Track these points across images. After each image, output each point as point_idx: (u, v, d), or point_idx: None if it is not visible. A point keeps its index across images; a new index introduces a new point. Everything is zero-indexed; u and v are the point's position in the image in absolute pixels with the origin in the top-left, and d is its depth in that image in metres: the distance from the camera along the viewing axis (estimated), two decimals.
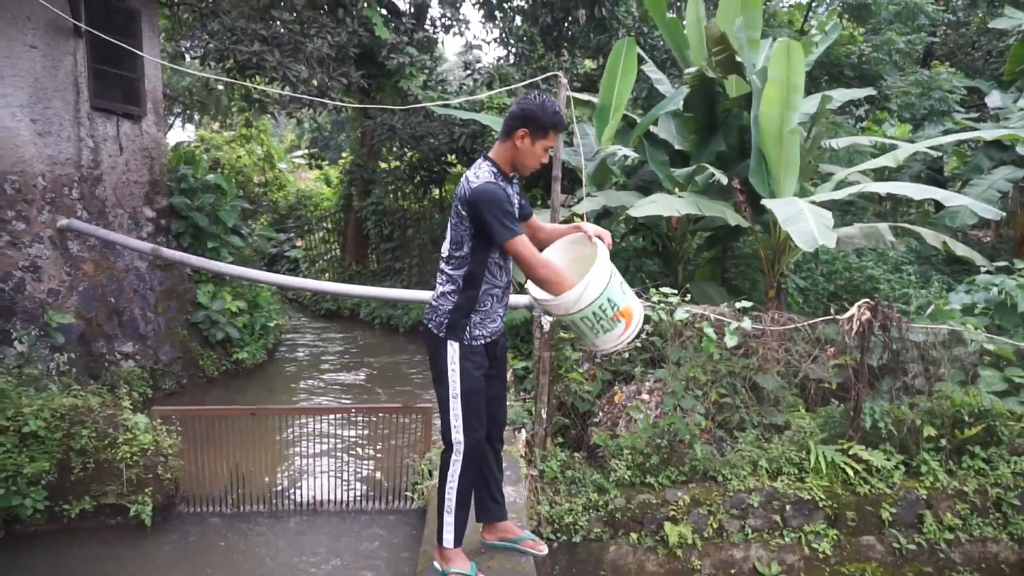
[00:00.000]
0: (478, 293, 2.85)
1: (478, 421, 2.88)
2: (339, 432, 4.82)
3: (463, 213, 2.78)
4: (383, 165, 14.52)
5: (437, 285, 2.94)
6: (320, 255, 15.60)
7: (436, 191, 13.86)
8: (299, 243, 16.22)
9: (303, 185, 19.17)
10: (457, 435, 2.84)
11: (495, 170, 2.83)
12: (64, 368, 6.28)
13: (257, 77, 9.93)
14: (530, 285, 2.98)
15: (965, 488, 4.86)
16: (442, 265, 2.91)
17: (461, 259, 2.83)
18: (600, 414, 5.78)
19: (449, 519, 2.87)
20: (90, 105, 6.92)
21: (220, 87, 13.95)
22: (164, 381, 7.47)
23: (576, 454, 5.07)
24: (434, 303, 2.91)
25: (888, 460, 4.88)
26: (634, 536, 4.72)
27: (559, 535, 4.64)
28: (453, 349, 2.84)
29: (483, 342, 2.92)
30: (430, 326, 2.90)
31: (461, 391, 2.83)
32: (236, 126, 16.80)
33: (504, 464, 3.99)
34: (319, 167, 18.03)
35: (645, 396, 5.74)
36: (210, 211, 8.38)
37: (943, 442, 5.03)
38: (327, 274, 14.85)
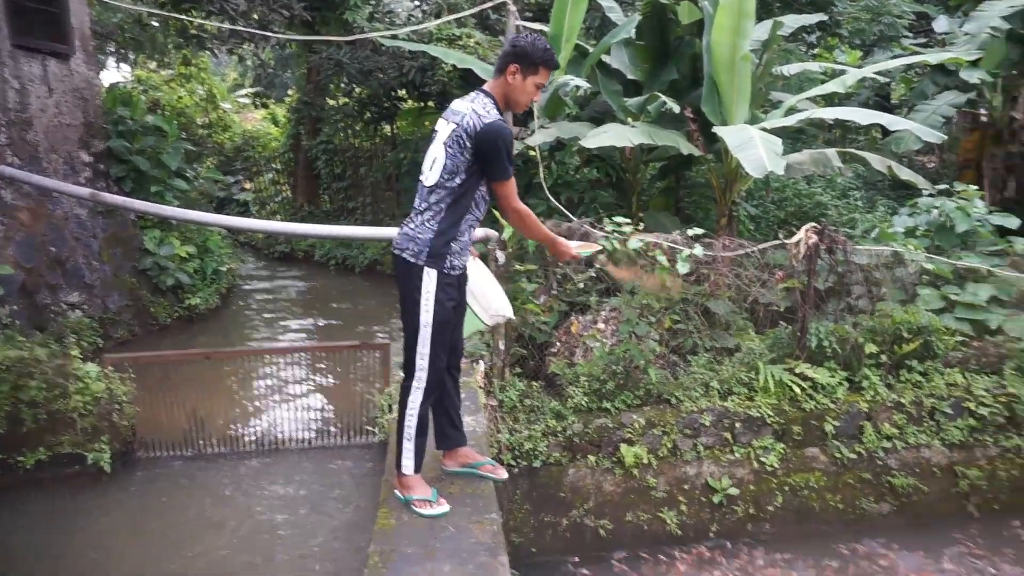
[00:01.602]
0: (460, 223, 2.88)
1: (443, 351, 2.92)
2: (298, 372, 4.82)
3: (467, 145, 2.80)
4: (331, 102, 14.11)
5: (415, 215, 2.91)
6: (270, 197, 15.25)
7: (387, 128, 13.57)
8: (248, 186, 15.80)
9: (249, 126, 18.53)
10: (422, 363, 2.87)
11: (496, 106, 2.89)
12: (7, 320, 6.10)
13: (193, 11, 9.45)
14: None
15: (902, 400, 5.12)
16: (426, 194, 2.89)
17: (452, 189, 2.84)
18: (557, 344, 5.88)
19: (409, 446, 2.93)
20: (11, 43, 6.52)
21: (154, 22, 13.24)
22: (115, 330, 7.32)
23: (534, 383, 5.17)
24: (412, 233, 2.88)
25: (832, 377, 5.09)
26: (592, 459, 4.88)
27: (519, 461, 4.77)
28: (430, 278, 2.84)
29: (458, 272, 2.95)
30: (405, 255, 2.87)
31: (433, 321, 2.85)
32: (174, 65, 16.05)
33: (463, 395, 4.06)
34: (265, 106, 17.44)
35: (601, 325, 5.84)
36: (151, 154, 8.08)
37: (883, 358, 5.26)
38: (278, 216, 14.57)
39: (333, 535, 3.61)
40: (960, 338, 5.55)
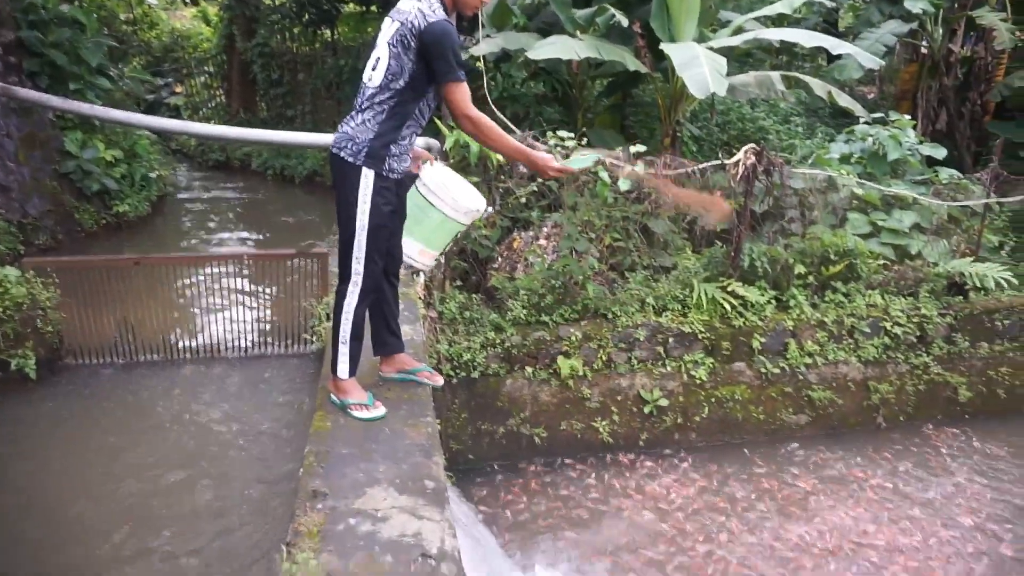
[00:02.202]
0: (402, 127, 2.80)
1: (379, 256, 2.89)
2: (232, 280, 4.71)
3: (412, 45, 2.69)
4: (267, 2, 13.31)
5: (355, 114, 2.83)
6: (203, 102, 14.49)
7: (328, 32, 12.93)
8: (179, 89, 14.95)
9: (178, 24, 17.36)
10: (357, 266, 2.84)
11: (443, 6, 2.77)
12: None
13: None
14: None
15: (826, 319, 5.37)
16: (368, 93, 2.79)
17: (395, 91, 2.75)
18: (499, 260, 5.90)
19: (344, 350, 2.93)
20: None
21: None
22: (37, 236, 6.97)
23: (474, 296, 5.20)
24: (351, 132, 2.80)
25: (762, 296, 5.28)
26: (529, 370, 5.00)
27: (458, 371, 4.85)
28: (367, 180, 2.77)
29: (397, 177, 2.89)
30: (343, 155, 2.79)
31: (368, 225, 2.80)
32: None
33: (402, 305, 4.05)
34: (195, 3, 16.32)
35: (543, 242, 5.87)
36: (68, 48, 7.50)
37: (811, 279, 5.48)
38: (213, 123, 13.89)
39: (270, 441, 3.62)
40: (883, 262, 5.81)
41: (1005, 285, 5.64)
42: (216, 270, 4.66)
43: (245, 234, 8.58)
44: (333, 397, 3.05)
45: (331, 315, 3.08)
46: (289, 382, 4.23)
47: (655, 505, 4.59)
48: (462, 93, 2.74)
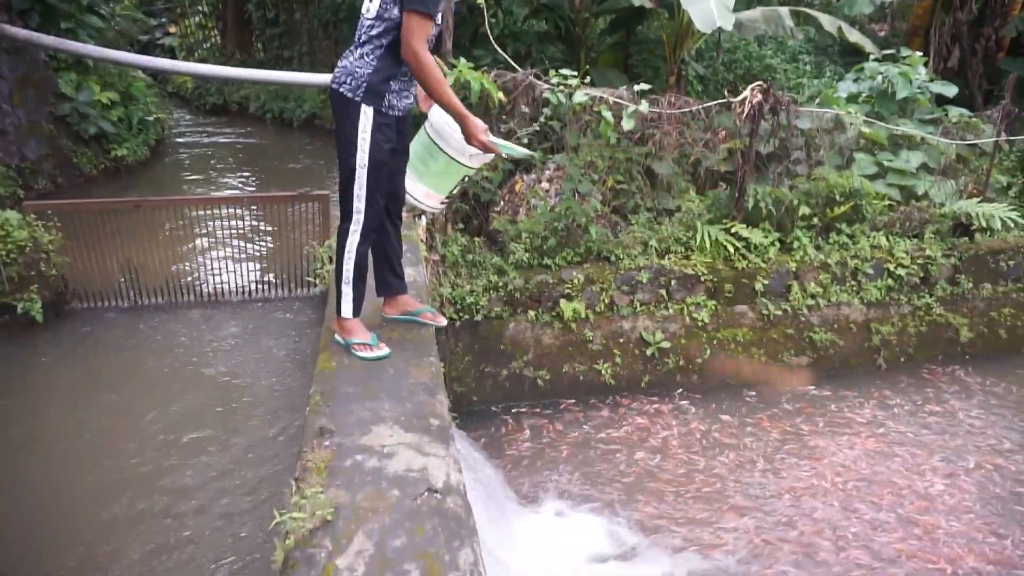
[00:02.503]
0: (402, 62, 2.74)
1: (380, 195, 2.86)
2: (235, 223, 4.70)
3: None
4: None
5: (354, 48, 2.78)
6: (198, 43, 14.20)
7: None
8: (172, 29, 14.63)
9: None
10: (359, 205, 2.82)
11: None
12: None
13: None
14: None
15: (829, 261, 5.35)
16: (366, 26, 2.74)
17: (392, 22, 2.68)
18: (501, 203, 5.85)
19: (347, 290, 2.93)
20: None
21: None
22: (36, 180, 6.92)
23: (476, 239, 5.18)
24: (350, 67, 2.75)
25: (766, 237, 5.25)
26: (532, 313, 5.02)
27: (461, 314, 4.87)
28: (367, 116, 2.74)
29: (397, 114, 2.85)
30: (343, 90, 2.74)
31: (369, 162, 2.77)
32: None
33: (404, 247, 4.04)
34: None
35: (545, 184, 5.81)
36: None
37: (815, 220, 5.44)
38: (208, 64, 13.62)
39: (277, 382, 3.67)
40: (888, 203, 5.75)
41: (1012, 225, 5.60)
42: (218, 212, 4.64)
43: (245, 177, 8.51)
44: (337, 337, 3.07)
45: (333, 256, 3.07)
46: (294, 325, 4.26)
47: (658, 444, 4.66)
48: (419, 25, 2.63)
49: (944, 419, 4.96)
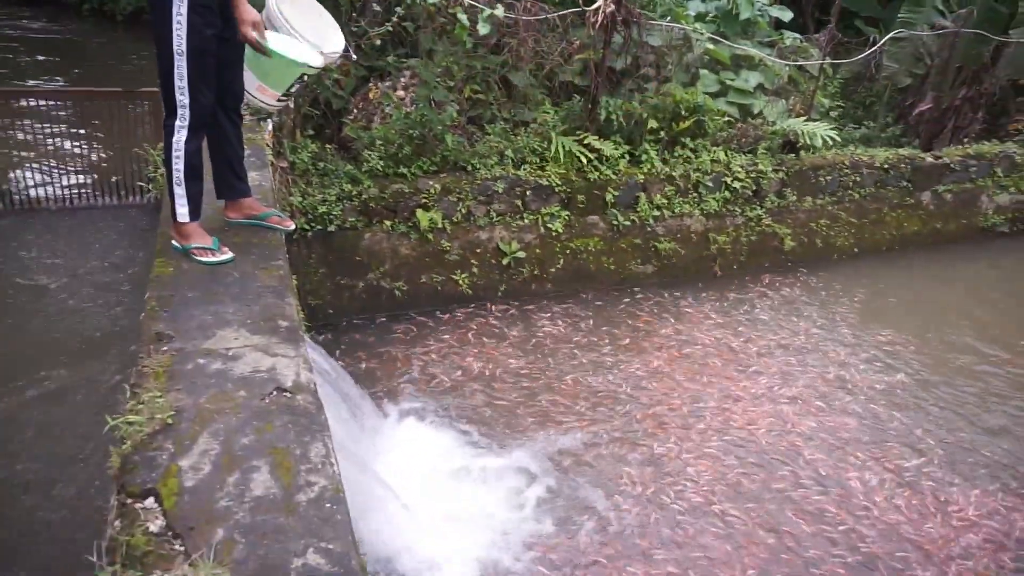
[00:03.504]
0: None
1: (206, 86, 2.65)
2: (54, 123, 4.19)
3: None
4: None
5: None
6: None
7: None
8: None
9: None
10: (182, 98, 2.60)
11: None
12: None
13: None
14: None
15: (674, 173, 5.63)
16: None
17: None
18: (355, 111, 5.62)
19: (180, 191, 2.73)
20: None
21: None
22: None
23: (328, 147, 4.98)
24: None
25: (616, 149, 5.43)
26: (388, 223, 4.94)
27: (313, 225, 4.70)
28: None
29: None
30: None
31: (188, 48, 2.53)
32: None
33: (248, 151, 3.80)
34: None
35: (400, 92, 5.63)
36: None
37: (662, 134, 5.67)
38: None
39: (109, 294, 3.40)
40: (728, 119, 6.10)
41: (831, 143, 6.13)
42: (33, 105, 4.11)
43: (63, 80, 7.58)
44: (175, 243, 2.88)
45: (163, 155, 2.83)
46: (126, 235, 3.94)
47: (515, 348, 4.83)
48: None
49: (765, 314, 5.48)
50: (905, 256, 6.73)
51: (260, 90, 3.08)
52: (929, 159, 6.74)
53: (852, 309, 5.69)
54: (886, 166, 6.53)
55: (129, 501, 1.78)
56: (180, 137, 2.66)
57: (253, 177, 3.53)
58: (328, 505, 1.79)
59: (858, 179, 6.44)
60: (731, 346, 5.07)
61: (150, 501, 1.79)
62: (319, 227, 4.72)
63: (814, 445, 4.13)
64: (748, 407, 4.42)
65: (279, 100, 3.24)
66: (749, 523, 3.54)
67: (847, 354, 5.07)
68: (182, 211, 2.77)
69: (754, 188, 5.96)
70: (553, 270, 5.48)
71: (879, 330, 5.39)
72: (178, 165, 2.69)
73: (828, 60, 6.47)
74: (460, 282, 5.21)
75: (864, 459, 4.04)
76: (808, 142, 6.02)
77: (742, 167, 5.86)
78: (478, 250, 5.23)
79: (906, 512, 3.66)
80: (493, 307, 5.28)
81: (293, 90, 3.27)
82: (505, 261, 5.28)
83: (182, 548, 1.66)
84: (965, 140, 7.48)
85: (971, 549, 3.47)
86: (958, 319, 5.62)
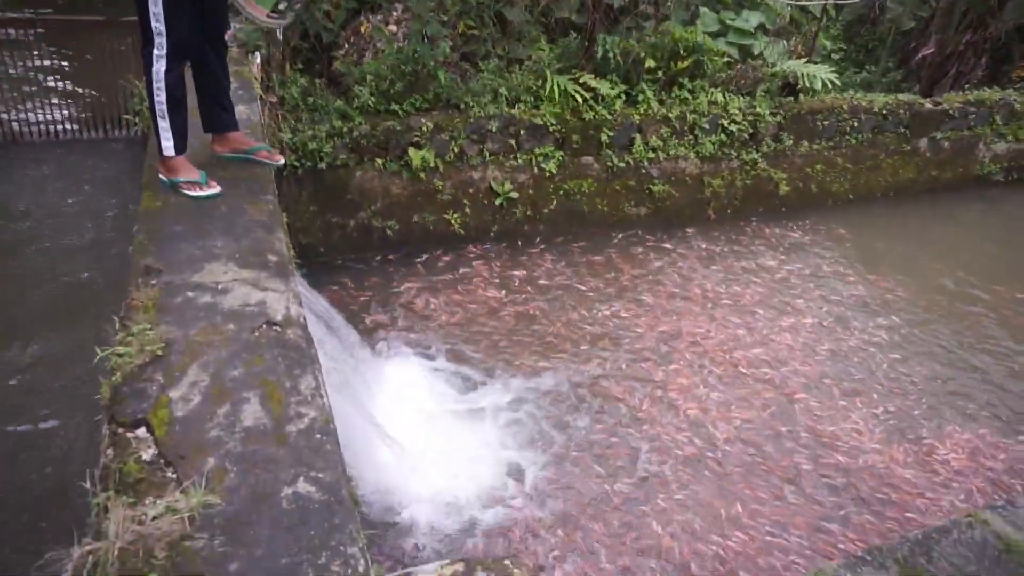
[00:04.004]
0: None
1: (183, 13, 2.56)
2: (34, 53, 4.06)
3: None
4: None
5: None
6: None
7: None
8: None
9: None
10: (158, 25, 2.51)
11: None
12: None
13: None
14: None
15: (670, 115, 5.54)
16: None
17: None
18: (345, 46, 5.47)
19: (164, 124, 2.67)
20: None
21: None
22: None
23: (318, 81, 4.86)
24: None
25: (612, 89, 5.32)
26: (379, 161, 4.87)
27: (304, 162, 4.63)
28: None
29: None
30: None
31: None
32: None
33: (236, 84, 3.72)
34: None
35: (392, 27, 5.47)
36: None
37: (659, 74, 5.56)
38: None
39: (97, 228, 3.36)
40: (727, 60, 5.97)
41: (831, 87, 6.03)
42: (12, 35, 3.99)
43: (46, 9, 7.32)
44: (162, 177, 2.83)
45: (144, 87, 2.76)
46: (113, 167, 3.88)
47: (507, 288, 4.83)
48: None
49: (762, 259, 5.49)
50: (900, 203, 6.71)
51: (248, 3, 2.92)
52: (928, 105, 6.65)
53: (845, 254, 5.71)
54: (885, 112, 6.44)
55: (120, 430, 1.80)
56: (159, 68, 2.58)
57: (241, 111, 3.46)
58: (318, 436, 1.81)
59: (856, 124, 6.36)
60: (724, 288, 5.08)
61: (141, 431, 1.81)
62: (309, 164, 4.65)
63: (806, 384, 4.19)
64: (742, 343, 4.46)
65: (269, 17, 3.09)
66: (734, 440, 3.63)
67: (839, 296, 5.11)
68: (167, 144, 2.72)
69: (751, 131, 5.88)
70: (546, 211, 5.45)
71: (870, 274, 5.42)
72: (159, 97, 2.62)
73: (831, 0, 6.31)
74: (452, 222, 5.18)
75: (851, 392, 4.11)
76: (808, 85, 5.92)
77: (739, 109, 5.77)
78: (470, 190, 5.18)
79: (891, 452, 3.75)
80: (485, 247, 5.26)
81: (282, 7, 3.11)
82: (498, 202, 5.24)
83: (174, 476, 1.69)
84: (966, 86, 7.38)
85: (954, 487, 3.57)
86: (950, 266, 5.64)
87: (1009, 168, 7.20)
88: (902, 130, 6.60)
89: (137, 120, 4.01)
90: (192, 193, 2.75)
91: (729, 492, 3.44)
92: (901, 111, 6.52)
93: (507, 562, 1.68)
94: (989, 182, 7.15)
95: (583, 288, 4.95)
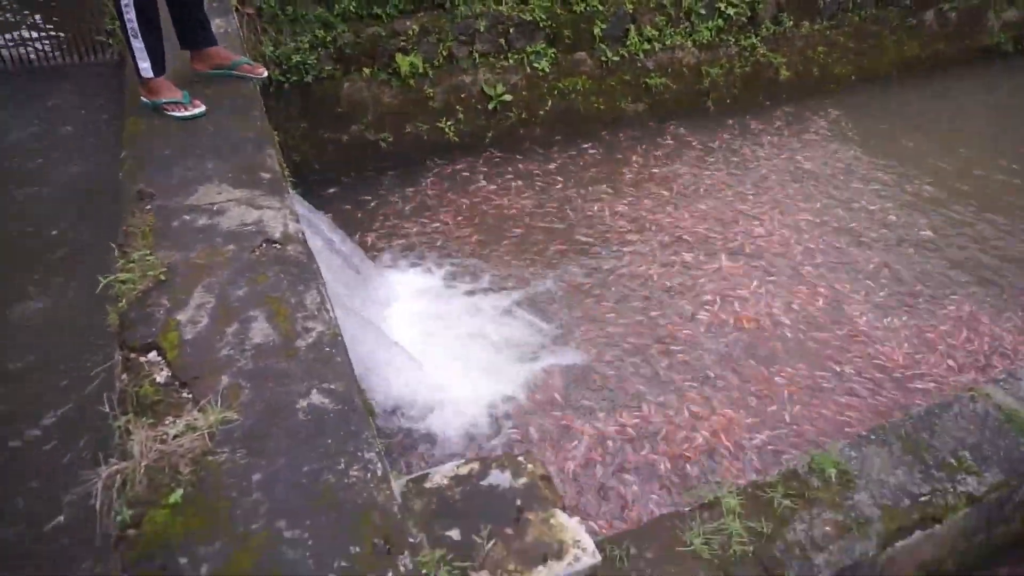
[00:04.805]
0: None
1: None
2: None
3: None
4: None
5: None
6: None
7: None
8: None
9: None
10: None
11: None
12: None
13: None
14: None
15: (664, 1, 5.31)
16: None
17: None
18: None
19: (138, 44, 2.57)
20: None
21: None
22: None
23: None
24: None
25: None
26: (367, 71, 4.72)
27: (289, 76, 4.49)
28: None
29: None
30: None
31: None
32: None
33: None
34: None
35: None
36: None
37: None
38: None
39: (80, 158, 3.29)
40: None
41: None
42: None
43: None
44: (144, 99, 2.75)
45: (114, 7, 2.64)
46: (91, 93, 3.76)
47: (507, 191, 4.78)
48: None
49: (762, 151, 5.40)
50: (905, 83, 6.50)
51: None
52: None
53: (848, 140, 5.59)
54: None
55: (132, 355, 1.82)
56: None
57: (217, 24, 3.33)
58: (327, 349, 1.84)
59: None
60: (728, 180, 5.02)
61: (153, 355, 1.83)
62: (295, 78, 4.51)
63: (812, 262, 4.20)
64: (752, 232, 4.45)
65: None
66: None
67: (843, 182, 5.04)
68: (144, 66, 2.63)
69: (749, 14, 5.64)
70: (541, 112, 5.31)
71: (874, 158, 5.33)
72: (129, 15, 2.50)
73: None
74: (446, 130, 5.06)
75: (853, 274, 4.14)
76: None
77: None
78: (463, 95, 5.04)
79: (886, 330, 3.80)
80: (481, 153, 5.17)
81: None
82: (491, 106, 5.10)
83: (189, 396, 1.72)
84: None
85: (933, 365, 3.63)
86: (953, 145, 5.53)
87: (1019, 37, 6.93)
88: (907, 2, 6.32)
89: (111, 41, 3.86)
90: (176, 114, 2.68)
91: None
92: None
93: (520, 458, 1.74)
94: (998, 53, 6.89)
95: (586, 186, 4.88)
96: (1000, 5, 6.69)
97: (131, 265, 2.04)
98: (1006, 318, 3.92)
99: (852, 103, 6.09)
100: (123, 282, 1.99)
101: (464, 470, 1.69)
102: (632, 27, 5.30)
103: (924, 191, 4.99)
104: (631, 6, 5.21)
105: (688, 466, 3.06)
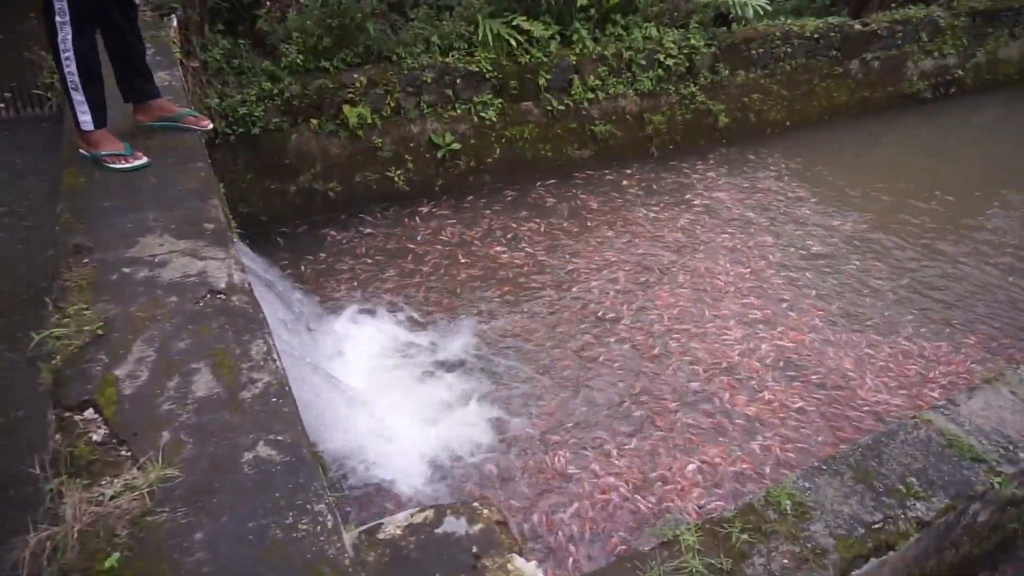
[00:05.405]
0: None
1: None
2: None
3: None
4: None
5: None
6: None
7: None
8: None
9: None
10: None
11: None
12: None
13: None
14: None
15: (606, 53, 5.50)
16: None
17: None
18: (267, 3, 5.25)
19: (79, 98, 2.53)
20: None
21: None
22: None
23: (241, 42, 4.67)
24: None
25: (546, 30, 5.24)
26: (314, 122, 4.73)
27: (236, 128, 4.48)
28: None
29: None
30: None
31: None
32: None
33: (153, 49, 3.55)
34: None
35: None
36: None
37: (592, 11, 5.49)
38: None
39: (10, 216, 3.19)
40: None
41: (762, 14, 6.03)
42: None
43: None
44: (83, 151, 2.70)
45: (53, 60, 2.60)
46: (27, 151, 3.66)
47: (457, 240, 4.80)
48: None
49: (703, 194, 5.56)
50: (834, 127, 6.83)
51: None
52: (858, 26, 6.73)
53: (784, 179, 5.81)
54: (816, 35, 6.50)
55: (67, 414, 1.74)
56: (64, 37, 2.42)
57: (162, 77, 3.31)
58: (274, 399, 1.79)
59: (789, 50, 6.41)
60: (672, 221, 5.14)
61: (89, 412, 1.76)
62: (242, 130, 4.50)
63: (751, 292, 4.30)
64: (688, 265, 4.54)
65: None
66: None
67: (783, 220, 5.22)
68: (84, 119, 2.58)
69: (687, 64, 5.88)
70: (490, 160, 5.39)
71: (809, 198, 5.54)
72: (70, 68, 2.47)
73: None
74: (396, 179, 5.09)
75: (792, 301, 4.24)
76: (740, 13, 5.91)
77: (675, 43, 5.75)
78: (411, 144, 5.09)
79: (824, 354, 3.89)
80: (431, 202, 5.20)
81: None
82: (440, 154, 5.16)
83: (128, 453, 1.65)
84: (893, 5, 7.46)
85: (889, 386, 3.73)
86: (884, 182, 5.79)
87: (936, 85, 7.38)
88: (834, 53, 6.69)
89: (50, 95, 3.79)
90: (117, 166, 2.63)
91: None
92: (832, 34, 6.59)
93: (475, 504, 1.71)
94: (918, 100, 7.31)
95: (537, 233, 4.94)
96: (917, 55, 7.12)
97: (66, 320, 1.97)
98: (935, 345, 4.06)
99: (786, 146, 6.35)
100: (58, 338, 1.92)
101: (418, 518, 1.65)
102: (576, 77, 5.46)
103: (850, 225, 5.20)
104: (574, 58, 5.38)
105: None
